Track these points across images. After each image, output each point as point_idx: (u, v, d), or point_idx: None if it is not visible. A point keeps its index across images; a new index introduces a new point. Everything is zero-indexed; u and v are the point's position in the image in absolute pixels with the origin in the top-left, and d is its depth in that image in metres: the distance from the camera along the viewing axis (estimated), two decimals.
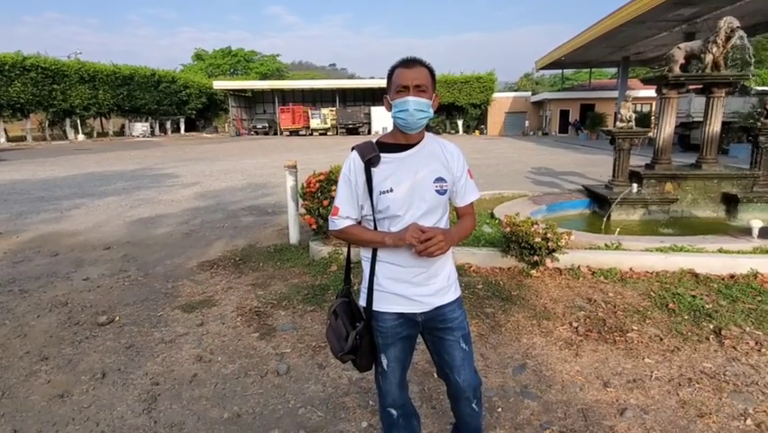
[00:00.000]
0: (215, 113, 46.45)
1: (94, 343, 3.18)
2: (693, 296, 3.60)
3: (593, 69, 39.17)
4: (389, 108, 1.59)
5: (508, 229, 4.14)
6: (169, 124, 40.55)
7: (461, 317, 1.73)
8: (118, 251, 5.41)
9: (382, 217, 1.61)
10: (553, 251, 4.03)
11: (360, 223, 1.68)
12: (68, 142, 30.93)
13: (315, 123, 38.26)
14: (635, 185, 6.42)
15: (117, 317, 3.56)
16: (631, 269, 4.18)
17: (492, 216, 5.92)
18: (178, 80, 39.93)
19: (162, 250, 5.42)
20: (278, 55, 60.64)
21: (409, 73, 1.53)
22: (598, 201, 6.79)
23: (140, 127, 36.90)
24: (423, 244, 1.50)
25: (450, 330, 1.70)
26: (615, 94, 30.61)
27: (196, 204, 8.39)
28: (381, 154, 1.59)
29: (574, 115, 34.99)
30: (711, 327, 3.14)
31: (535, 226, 4.02)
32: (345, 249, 1.93)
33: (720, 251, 4.33)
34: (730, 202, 6.22)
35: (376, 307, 1.67)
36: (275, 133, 38.89)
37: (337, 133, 37.51)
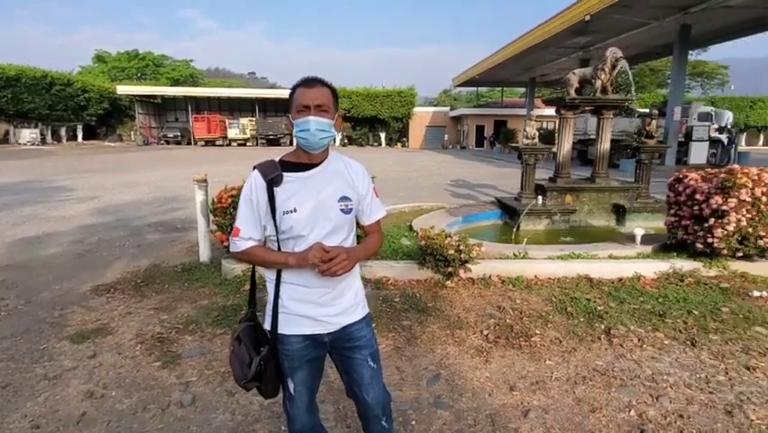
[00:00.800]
0: (120, 120, 42.65)
1: None
2: (588, 299, 3.94)
3: (505, 88, 42.13)
4: (291, 127, 1.57)
5: (423, 242, 4.25)
6: (63, 132, 36.49)
7: (368, 335, 1.73)
8: None
9: (286, 238, 1.57)
10: (466, 262, 4.20)
11: (264, 244, 1.63)
12: None
13: (233, 133, 36.73)
14: (540, 197, 6.94)
15: None
16: (536, 276, 4.48)
17: (411, 228, 6.05)
18: (74, 83, 36.12)
19: (50, 273, 4.83)
20: (191, 60, 57.40)
21: (310, 93, 1.53)
22: (509, 212, 7.24)
23: (28, 134, 32.76)
24: (326, 263, 1.49)
25: (357, 349, 1.70)
26: (524, 111, 33.18)
27: (93, 220, 7.61)
28: (284, 174, 1.56)
29: (489, 131, 37.30)
30: (602, 327, 3.45)
31: (449, 239, 4.17)
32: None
33: (610, 257, 4.81)
34: (619, 212, 6.95)
35: (281, 330, 1.62)
36: (188, 143, 36.74)
37: (257, 144, 36.38)
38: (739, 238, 4.33)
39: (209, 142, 36.05)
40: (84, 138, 38.08)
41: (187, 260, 5.19)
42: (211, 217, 4.69)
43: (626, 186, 7.28)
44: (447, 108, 44.29)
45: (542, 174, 7.74)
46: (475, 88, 44.83)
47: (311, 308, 1.60)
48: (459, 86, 41.05)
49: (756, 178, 4.30)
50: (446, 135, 39.55)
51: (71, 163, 19.10)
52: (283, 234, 1.56)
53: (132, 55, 51.97)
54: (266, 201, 1.54)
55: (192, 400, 2.59)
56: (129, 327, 3.51)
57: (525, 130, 7.24)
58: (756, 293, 3.98)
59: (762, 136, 40.91)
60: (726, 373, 2.81)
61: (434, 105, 52.81)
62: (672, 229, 4.93)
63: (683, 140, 18.61)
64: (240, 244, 1.59)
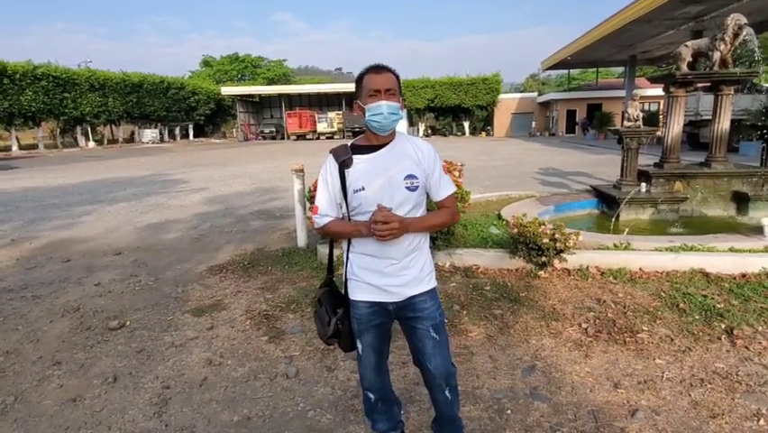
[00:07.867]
0: (224, 118, 46.81)
1: (105, 347, 3.22)
2: (704, 295, 3.56)
3: (600, 69, 38.95)
4: (360, 112, 1.68)
5: (516, 230, 4.13)
6: (177, 131, 40.93)
7: (431, 308, 1.80)
8: (129, 256, 5.47)
9: (355, 214, 1.72)
10: (561, 251, 4.01)
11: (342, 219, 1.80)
12: (80, 149, 31.35)
13: (321, 126, 38.49)
14: (643, 184, 6.36)
15: (128, 322, 3.60)
16: (641, 269, 4.15)
17: (499, 217, 5.90)
18: (186, 87, 40.29)
19: (172, 255, 5.48)
20: (284, 60, 60.77)
21: (380, 78, 1.64)
22: (607, 201, 6.74)
23: (149, 134, 37.29)
24: (375, 225, 1.59)
25: (419, 319, 1.79)
26: (622, 93, 30.41)
27: (204, 209, 8.46)
28: (354, 156, 1.70)
29: (581, 115, 34.78)
30: (723, 326, 3.10)
31: (543, 227, 4.00)
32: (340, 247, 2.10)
33: (731, 250, 4.29)
34: (741, 200, 6.14)
35: (351, 295, 1.80)
36: (282, 138, 39.14)
37: (344, 137, 37.63)
38: None
39: (300, 137, 38.11)
40: (194, 136, 42.40)
41: (286, 245, 5.58)
42: (307, 205, 4.98)
43: (750, 171, 6.39)
44: (535, 94, 42.08)
45: (643, 161, 7.08)
46: (566, 71, 42.01)
47: (377, 277, 1.73)
48: (548, 69, 38.66)
49: None
50: (534, 122, 37.64)
51: (184, 159, 21.36)
52: (353, 210, 1.71)
53: (233, 58, 56.41)
54: (338, 181, 1.70)
55: (296, 373, 2.80)
56: (239, 303, 3.88)
57: (626, 111, 6.66)
58: None
59: None
60: None
61: (521, 92, 50.41)
62: None
63: None
64: (318, 220, 1.78)
